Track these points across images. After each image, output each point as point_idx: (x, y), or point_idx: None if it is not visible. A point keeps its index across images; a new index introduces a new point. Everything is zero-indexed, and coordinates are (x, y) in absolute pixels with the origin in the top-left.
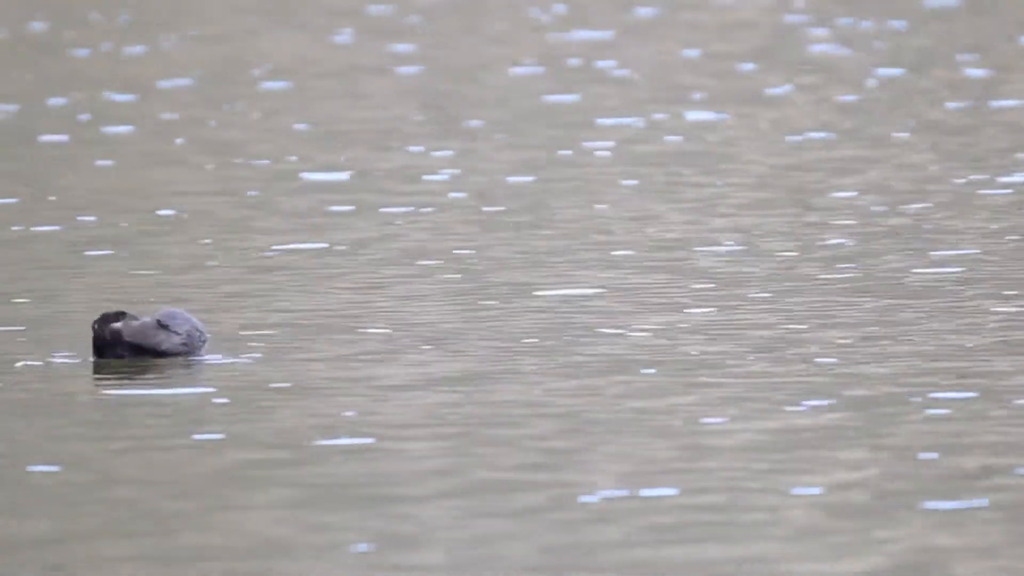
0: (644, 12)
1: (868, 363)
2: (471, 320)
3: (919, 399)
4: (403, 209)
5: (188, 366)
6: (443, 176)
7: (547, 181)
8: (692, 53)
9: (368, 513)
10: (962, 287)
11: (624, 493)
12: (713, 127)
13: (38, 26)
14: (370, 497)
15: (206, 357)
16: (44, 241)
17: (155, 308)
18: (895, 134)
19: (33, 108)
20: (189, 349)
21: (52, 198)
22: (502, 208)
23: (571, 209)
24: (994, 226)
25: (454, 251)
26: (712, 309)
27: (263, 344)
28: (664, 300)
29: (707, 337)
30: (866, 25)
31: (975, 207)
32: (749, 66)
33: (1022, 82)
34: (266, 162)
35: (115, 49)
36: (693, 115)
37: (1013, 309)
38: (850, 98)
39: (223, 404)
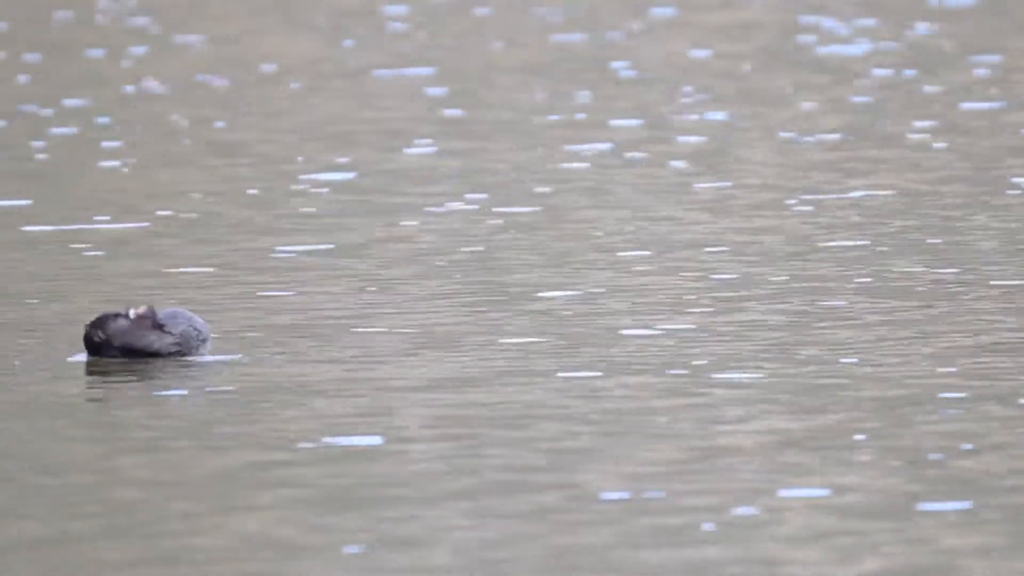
0: (654, 12)
1: (876, 365)
2: (479, 321)
3: (928, 401)
4: (411, 210)
5: (191, 367)
6: (452, 177)
7: (556, 182)
8: (702, 53)
9: (372, 515)
10: (973, 288)
11: (630, 495)
12: (723, 127)
13: (49, 25)
14: (375, 499)
15: (209, 358)
16: (53, 241)
17: (160, 308)
18: (907, 135)
19: (44, 108)
20: (183, 349)
21: (61, 199)
22: (510, 209)
23: (580, 210)
24: (1007, 227)
25: (462, 252)
26: (721, 310)
27: (268, 344)
28: (672, 301)
29: (715, 338)
30: (877, 24)
31: (988, 208)
32: (759, 66)
33: None
34: (273, 162)
35: (127, 50)
36: (702, 115)
37: None
38: (861, 99)
39: (227, 405)
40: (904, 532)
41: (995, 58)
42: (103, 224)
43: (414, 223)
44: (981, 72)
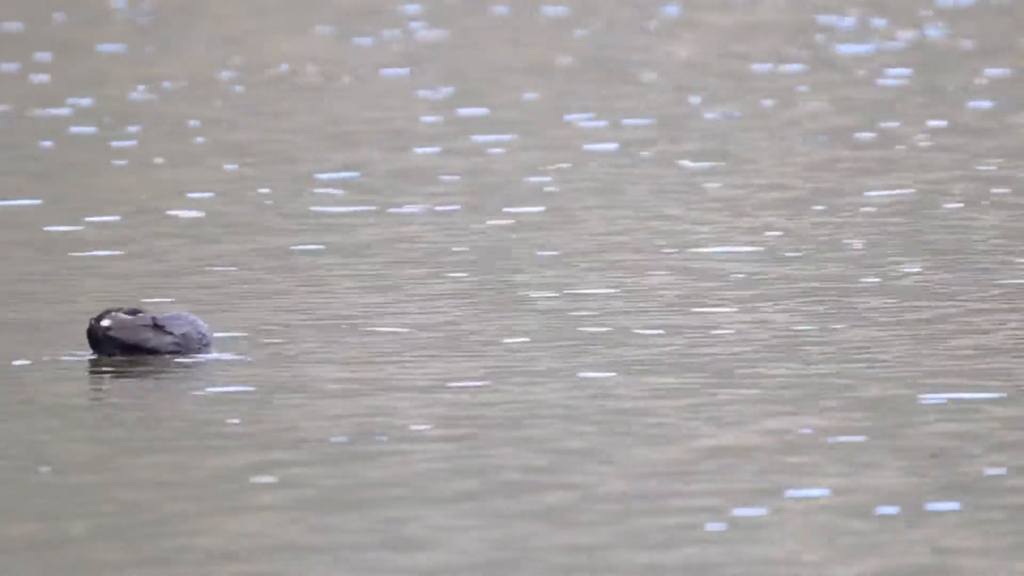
0: (664, 12)
1: (880, 365)
2: (483, 321)
3: (930, 401)
4: (418, 209)
5: (192, 367)
6: (458, 176)
7: (563, 182)
8: (712, 53)
9: (375, 515)
10: (982, 289)
11: (633, 495)
12: (732, 127)
13: (58, 23)
14: (377, 499)
15: (211, 357)
16: (61, 241)
17: (166, 308)
18: (916, 135)
19: (53, 107)
20: (183, 350)
21: (69, 198)
22: (518, 209)
23: (588, 210)
24: (1016, 226)
25: (468, 251)
26: (729, 310)
27: (271, 344)
28: (680, 301)
29: (724, 338)
30: (886, 24)
31: (997, 207)
32: (769, 66)
33: None
34: (281, 162)
35: (135, 49)
36: (711, 115)
37: None
38: (871, 98)
39: (228, 404)
40: (904, 532)
41: (1004, 58)
42: (110, 223)
43: (420, 222)
44: (991, 72)
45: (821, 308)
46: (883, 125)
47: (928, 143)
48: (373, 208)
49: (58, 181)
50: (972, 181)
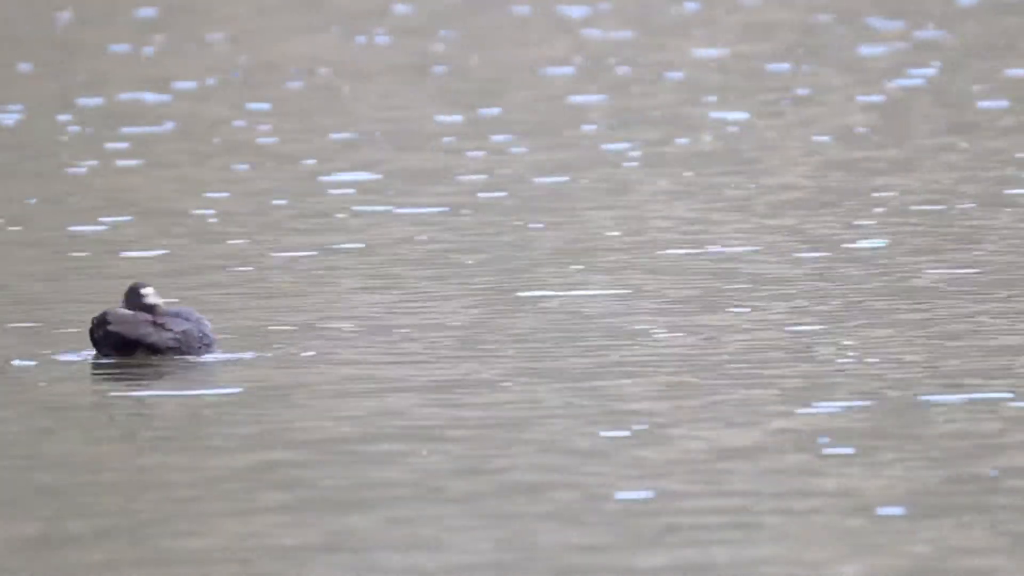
0: (676, 12)
1: (896, 364)
2: (492, 321)
3: (946, 399)
4: (432, 210)
5: (194, 367)
6: (473, 177)
7: (577, 182)
8: (723, 53)
9: (379, 515)
10: (995, 289)
11: (639, 495)
12: (745, 128)
13: (66, 25)
14: (380, 499)
15: (214, 357)
16: (68, 241)
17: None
18: (929, 135)
19: (63, 109)
20: (183, 348)
21: (79, 199)
22: (532, 209)
23: (601, 210)
24: None
25: (478, 252)
26: (742, 310)
27: (276, 344)
28: (693, 301)
29: (735, 338)
30: (898, 25)
31: (1009, 207)
32: (781, 67)
33: None
34: (290, 162)
35: (144, 49)
36: (725, 116)
37: None
38: (882, 99)
39: (232, 405)
40: (905, 532)
41: (1019, 58)
42: (113, 223)
43: (431, 223)
44: (1006, 72)
45: (832, 308)
46: (896, 125)
47: (941, 143)
48: (383, 208)
49: (69, 181)
50: (985, 181)
